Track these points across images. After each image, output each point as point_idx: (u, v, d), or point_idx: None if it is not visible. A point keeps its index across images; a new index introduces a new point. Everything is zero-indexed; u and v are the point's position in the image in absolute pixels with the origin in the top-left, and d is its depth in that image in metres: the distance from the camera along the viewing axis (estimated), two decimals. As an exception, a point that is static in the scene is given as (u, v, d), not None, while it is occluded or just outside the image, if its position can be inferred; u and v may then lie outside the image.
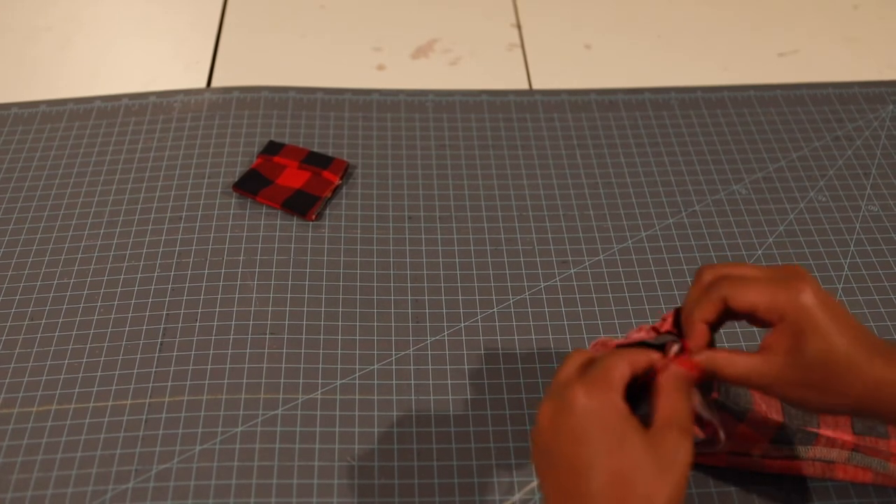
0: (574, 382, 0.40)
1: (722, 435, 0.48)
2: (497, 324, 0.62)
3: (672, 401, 0.41)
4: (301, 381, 0.58)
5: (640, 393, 0.43)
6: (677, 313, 0.45)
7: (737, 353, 0.42)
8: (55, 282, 0.64)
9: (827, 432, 0.55)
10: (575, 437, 0.39)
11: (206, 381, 0.58)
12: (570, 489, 0.39)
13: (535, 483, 0.54)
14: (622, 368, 0.41)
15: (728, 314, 0.43)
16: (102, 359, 0.59)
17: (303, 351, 0.60)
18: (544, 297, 0.64)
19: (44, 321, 0.62)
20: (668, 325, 0.45)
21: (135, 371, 0.58)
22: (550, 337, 0.61)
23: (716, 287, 0.43)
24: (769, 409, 0.56)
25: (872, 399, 0.40)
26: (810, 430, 0.55)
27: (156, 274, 0.65)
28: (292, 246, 0.67)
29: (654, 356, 0.43)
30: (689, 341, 0.43)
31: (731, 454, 0.53)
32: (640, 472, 0.38)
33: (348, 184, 0.72)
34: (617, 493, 0.38)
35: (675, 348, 0.43)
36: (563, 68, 0.85)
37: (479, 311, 0.63)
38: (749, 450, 0.53)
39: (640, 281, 0.65)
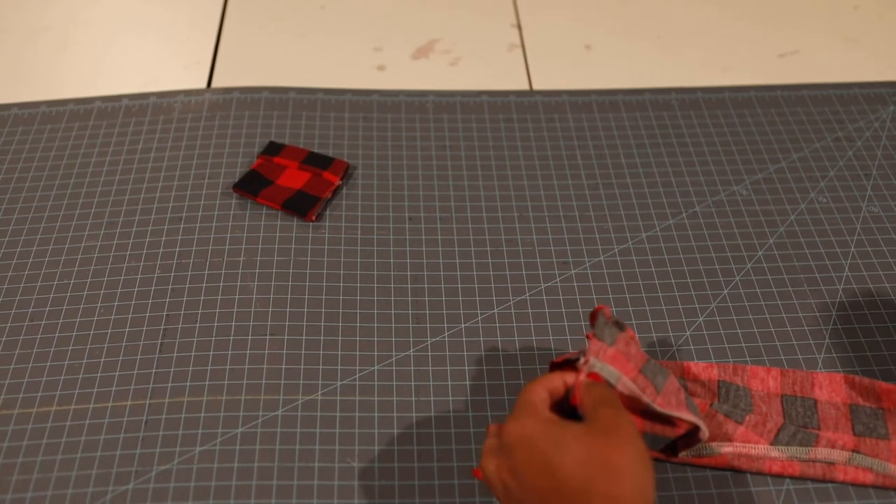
0: (505, 427, 0.45)
1: (704, 428, 0.49)
2: (497, 325, 0.62)
3: (592, 393, 0.45)
4: (301, 382, 0.58)
5: (576, 415, 0.47)
6: (595, 314, 0.51)
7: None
8: (55, 282, 0.64)
9: (827, 434, 0.55)
10: (527, 461, 0.43)
11: (207, 382, 0.58)
12: (553, 502, 0.41)
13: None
14: (539, 392, 0.46)
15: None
16: (102, 360, 0.59)
17: (303, 352, 0.60)
18: (545, 297, 0.64)
19: (44, 322, 0.61)
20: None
21: (135, 372, 0.58)
22: (551, 338, 0.61)
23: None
24: (770, 409, 0.56)
25: None
26: (811, 431, 0.55)
27: (156, 275, 0.64)
28: (292, 247, 0.67)
29: (568, 377, 0.47)
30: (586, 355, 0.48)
31: (732, 455, 0.53)
32: (589, 448, 0.41)
33: (348, 184, 0.72)
34: (582, 473, 0.41)
35: (583, 367, 0.48)
36: (563, 69, 0.85)
37: (479, 311, 0.63)
38: (750, 451, 0.53)
39: (640, 282, 0.65)
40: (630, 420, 0.43)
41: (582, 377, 0.47)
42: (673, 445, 0.53)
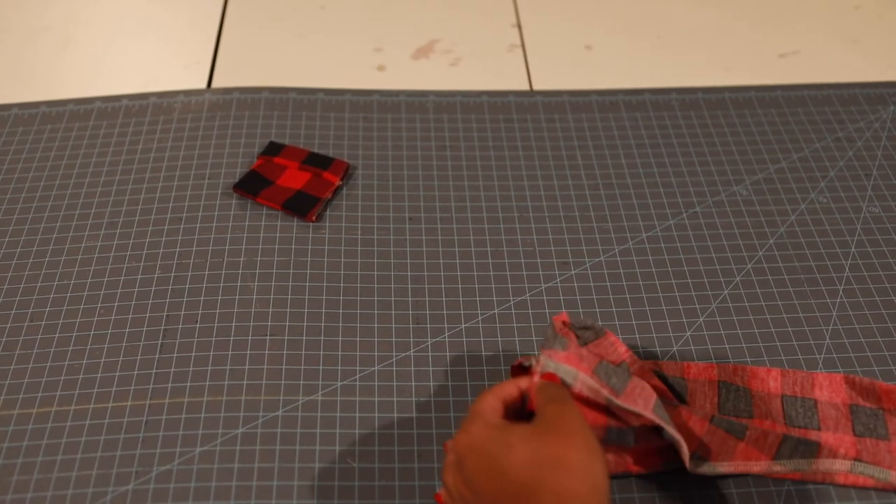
0: (455, 438, 0.45)
1: (671, 431, 0.48)
2: (498, 325, 0.62)
3: (540, 394, 0.45)
4: (301, 382, 0.58)
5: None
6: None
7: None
8: (55, 283, 0.64)
9: (828, 435, 0.55)
10: (478, 468, 0.42)
11: (207, 383, 0.58)
12: None
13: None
14: (489, 402, 0.46)
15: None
16: (103, 360, 0.59)
17: (303, 352, 0.60)
18: (545, 298, 0.64)
19: (44, 322, 0.61)
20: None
21: (135, 372, 0.58)
22: (551, 338, 0.61)
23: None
24: (770, 410, 0.56)
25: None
26: (812, 440, 0.54)
27: (156, 275, 0.64)
28: (293, 247, 0.67)
29: (522, 382, 0.48)
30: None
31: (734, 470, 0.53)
32: (536, 445, 0.41)
33: (349, 185, 0.72)
34: (531, 472, 0.40)
35: (536, 368, 0.48)
36: (563, 69, 0.85)
37: (479, 312, 0.63)
38: (752, 468, 0.53)
39: (640, 282, 0.65)
40: (578, 414, 0.43)
41: (536, 379, 0.47)
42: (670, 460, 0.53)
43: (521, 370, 0.52)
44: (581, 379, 0.48)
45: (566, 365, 0.48)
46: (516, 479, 0.40)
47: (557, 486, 0.39)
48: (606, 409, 0.50)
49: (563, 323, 0.53)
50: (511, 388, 0.47)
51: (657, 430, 0.51)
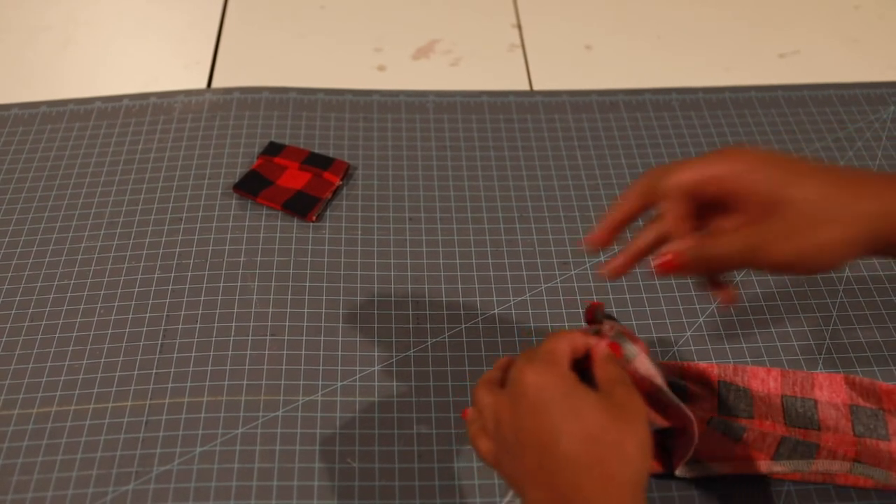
0: (522, 368, 0.43)
1: (694, 431, 0.48)
2: (498, 325, 0.62)
3: (607, 367, 0.45)
4: (302, 382, 0.58)
5: (586, 379, 0.46)
6: (592, 309, 0.50)
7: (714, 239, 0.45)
8: (55, 283, 0.64)
9: (828, 436, 0.55)
10: (536, 413, 0.42)
11: (207, 383, 0.58)
12: (546, 464, 0.41)
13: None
14: (563, 346, 0.45)
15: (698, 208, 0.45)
16: (103, 360, 0.59)
17: (303, 352, 0.60)
18: (545, 298, 0.64)
19: (44, 322, 0.61)
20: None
21: (135, 372, 0.58)
22: (551, 338, 0.61)
23: (644, 180, 0.46)
24: (770, 410, 0.56)
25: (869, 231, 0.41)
26: (812, 441, 0.54)
27: (156, 275, 0.64)
28: (293, 247, 0.67)
29: (591, 339, 0.47)
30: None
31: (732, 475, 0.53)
32: (603, 425, 0.41)
33: (349, 185, 0.72)
34: (588, 448, 0.40)
35: (608, 332, 0.47)
36: (563, 69, 0.85)
37: (479, 312, 0.63)
38: (750, 468, 0.52)
39: (640, 282, 0.65)
40: (644, 405, 0.43)
41: (604, 344, 0.46)
42: (669, 462, 0.53)
43: (593, 319, 0.51)
44: (641, 359, 0.47)
45: (631, 343, 0.48)
46: (568, 448, 0.40)
47: (608, 469, 0.40)
48: (646, 396, 0.50)
49: (592, 311, 0.52)
50: (583, 341, 0.46)
51: (659, 433, 0.50)
